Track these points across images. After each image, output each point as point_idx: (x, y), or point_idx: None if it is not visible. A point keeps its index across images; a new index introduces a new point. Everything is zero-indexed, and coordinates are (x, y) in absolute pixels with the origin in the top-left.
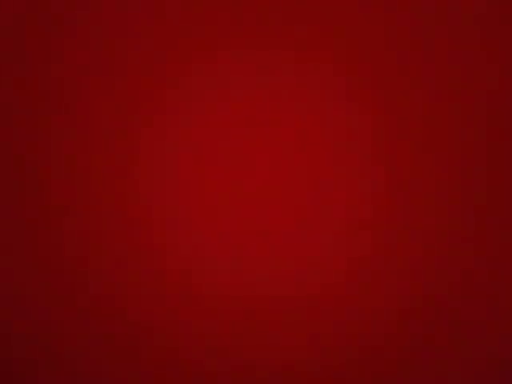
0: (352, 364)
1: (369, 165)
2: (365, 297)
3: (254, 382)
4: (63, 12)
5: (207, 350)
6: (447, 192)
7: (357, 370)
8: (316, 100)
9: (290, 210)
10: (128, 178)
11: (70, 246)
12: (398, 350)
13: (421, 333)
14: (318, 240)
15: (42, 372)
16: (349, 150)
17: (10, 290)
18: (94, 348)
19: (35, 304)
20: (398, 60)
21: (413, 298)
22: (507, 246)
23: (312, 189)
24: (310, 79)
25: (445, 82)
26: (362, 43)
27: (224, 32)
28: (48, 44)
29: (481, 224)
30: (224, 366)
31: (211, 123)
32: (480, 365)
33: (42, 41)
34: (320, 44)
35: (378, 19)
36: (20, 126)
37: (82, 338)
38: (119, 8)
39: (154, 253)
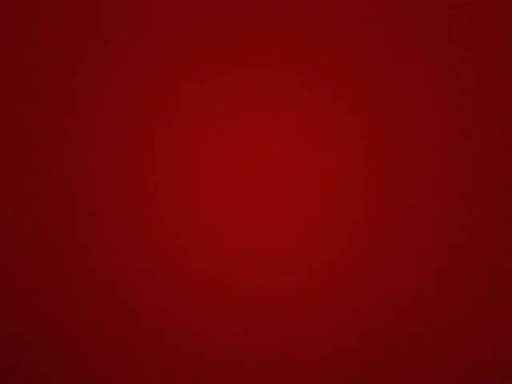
0: (348, 350)
1: (363, 163)
2: (364, 281)
3: (253, 371)
4: (76, 18)
5: (211, 341)
6: (441, 189)
7: (353, 357)
8: (315, 106)
9: (289, 208)
10: (139, 177)
11: (80, 242)
12: (390, 339)
13: (412, 323)
14: (317, 233)
15: (51, 371)
16: (346, 150)
17: (21, 289)
18: (102, 341)
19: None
20: (392, 70)
21: (404, 290)
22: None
23: (308, 186)
24: (307, 84)
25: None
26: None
27: (230, 38)
28: (60, 49)
29: (475, 226)
30: (227, 354)
31: (220, 127)
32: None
33: (53, 45)
34: (315, 58)
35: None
36: (33, 129)
37: (89, 331)
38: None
39: (161, 245)
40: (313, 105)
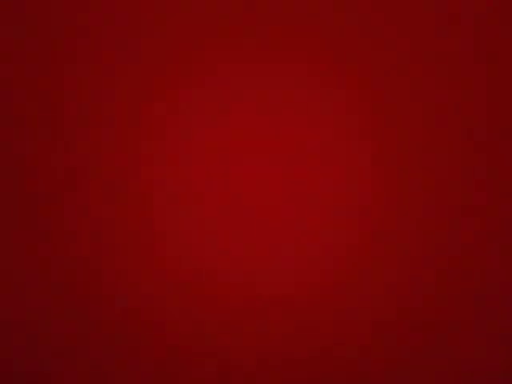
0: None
1: (365, 165)
2: (363, 291)
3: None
4: (73, 23)
5: (208, 344)
6: (440, 189)
7: (351, 369)
8: (315, 105)
9: (289, 210)
10: (137, 180)
11: (76, 242)
12: (391, 347)
13: (414, 330)
14: (315, 237)
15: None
16: (346, 149)
17: (15, 288)
18: (98, 341)
19: (39, 303)
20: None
21: (406, 296)
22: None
23: (309, 190)
24: (307, 85)
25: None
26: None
27: (227, 44)
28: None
29: (478, 229)
30: (223, 362)
31: (213, 130)
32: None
33: (50, 53)
34: (319, 55)
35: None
36: (28, 134)
37: (85, 334)
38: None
39: (159, 249)
40: (315, 105)
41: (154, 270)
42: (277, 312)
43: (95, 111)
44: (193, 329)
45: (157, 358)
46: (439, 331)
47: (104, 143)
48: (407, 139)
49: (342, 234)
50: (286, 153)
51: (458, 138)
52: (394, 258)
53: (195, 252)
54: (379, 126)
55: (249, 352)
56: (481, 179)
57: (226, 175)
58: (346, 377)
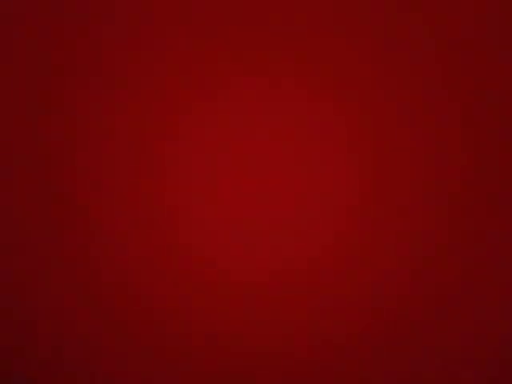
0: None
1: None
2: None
3: (258, 367)
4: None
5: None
6: (433, 189)
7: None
8: (310, 109)
9: (288, 207)
10: (145, 177)
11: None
12: (382, 335)
13: (409, 314)
14: (313, 227)
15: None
16: (346, 151)
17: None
18: (106, 334)
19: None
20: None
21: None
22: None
23: (308, 185)
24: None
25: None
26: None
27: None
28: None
29: (466, 224)
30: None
31: (221, 132)
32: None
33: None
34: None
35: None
36: (52, 135)
37: (96, 327)
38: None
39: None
40: (308, 108)
41: (155, 265)
42: (274, 307)
43: (108, 117)
44: (193, 326)
45: (159, 353)
46: (438, 324)
47: (110, 145)
48: (395, 141)
49: (340, 232)
50: (284, 158)
51: (444, 139)
52: (391, 255)
53: (195, 251)
54: (370, 129)
55: (249, 344)
56: (465, 176)
57: (228, 179)
58: (344, 365)
